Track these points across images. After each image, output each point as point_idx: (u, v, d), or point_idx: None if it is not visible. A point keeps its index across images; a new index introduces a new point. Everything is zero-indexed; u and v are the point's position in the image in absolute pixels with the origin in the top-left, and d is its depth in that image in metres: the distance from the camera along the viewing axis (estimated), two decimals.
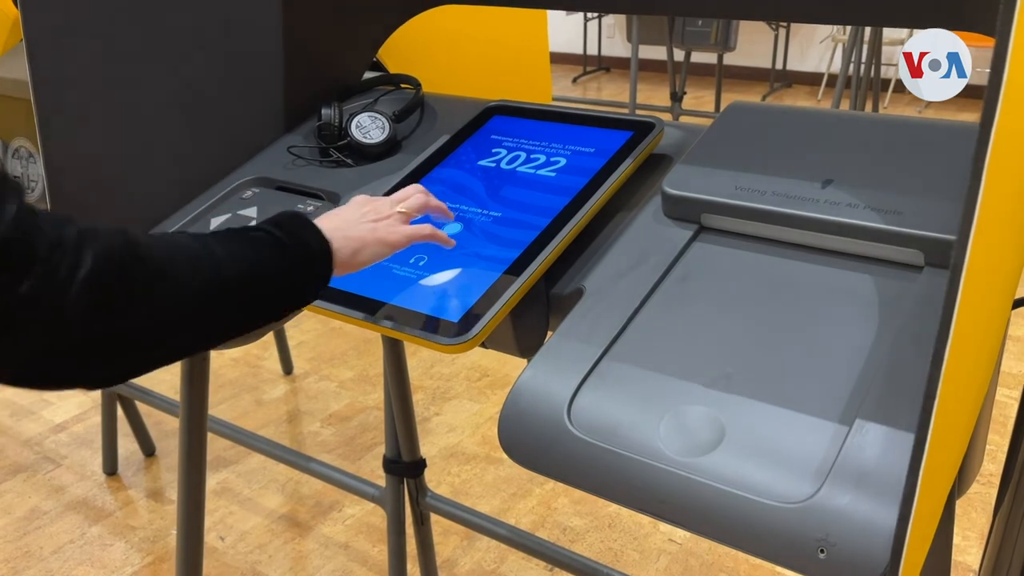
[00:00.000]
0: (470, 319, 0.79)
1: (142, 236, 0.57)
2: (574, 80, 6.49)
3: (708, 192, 0.83)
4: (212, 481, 2.14)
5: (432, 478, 2.09)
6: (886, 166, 0.80)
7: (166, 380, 2.51)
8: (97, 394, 2.28)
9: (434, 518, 1.77)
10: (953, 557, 0.95)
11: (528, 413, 0.70)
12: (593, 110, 1.05)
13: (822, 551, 0.56)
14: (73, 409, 2.49)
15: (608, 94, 6.22)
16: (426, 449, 2.16)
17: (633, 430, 0.66)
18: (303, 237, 0.69)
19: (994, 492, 0.90)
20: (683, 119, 4.57)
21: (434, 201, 0.83)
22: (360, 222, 0.76)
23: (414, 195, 0.81)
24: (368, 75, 1.30)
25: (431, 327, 0.80)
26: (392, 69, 1.34)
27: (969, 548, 1.80)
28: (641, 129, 0.95)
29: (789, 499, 0.58)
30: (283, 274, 0.67)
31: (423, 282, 0.86)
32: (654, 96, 5.50)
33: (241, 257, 0.63)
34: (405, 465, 1.66)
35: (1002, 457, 0.87)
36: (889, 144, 0.83)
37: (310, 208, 1.04)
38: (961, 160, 0.48)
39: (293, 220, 0.71)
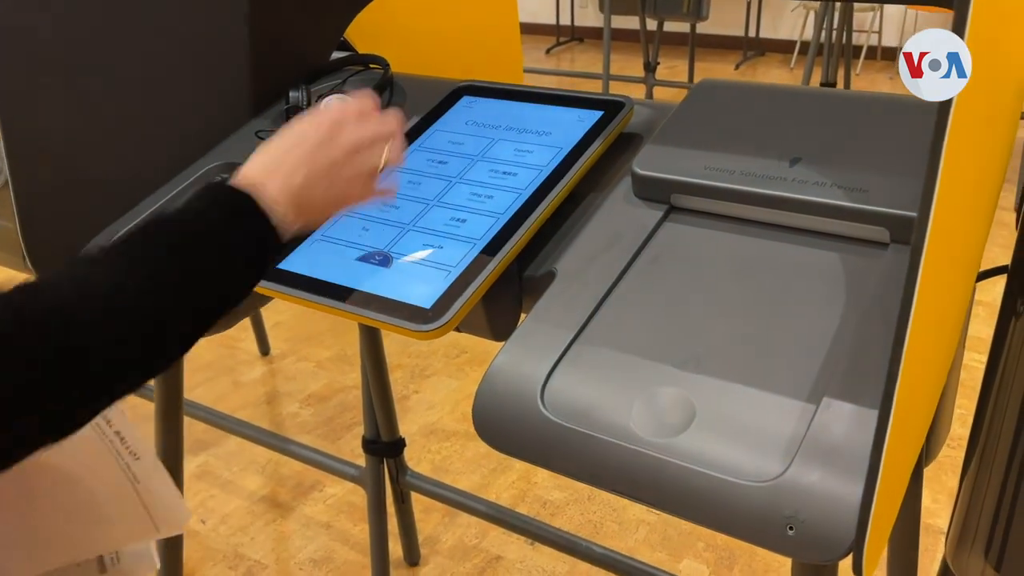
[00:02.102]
0: (443, 304, 0.79)
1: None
2: (547, 51, 6.45)
3: (677, 172, 0.83)
4: (191, 465, 2.14)
5: (412, 455, 2.10)
6: (854, 144, 0.81)
7: None
8: None
9: (415, 495, 1.78)
10: (923, 520, 0.97)
11: (502, 397, 0.70)
12: (563, 89, 1.05)
13: (791, 528, 0.57)
14: None
15: (581, 65, 6.18)
16: (405, 427, 2.17)
17: (605, 412, 0.66)
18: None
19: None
20: (657, 89, 4.56)
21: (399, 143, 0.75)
22: (328, 175, 0.68)
23: (394, 138, 0.74)
24: (336, 55, 1.29)
25: (403, 313, 0.80)
26: (360, 49, 1.32)
27: (940, 511, 1.84)
28: (611, 108, 0.95)
29: (758, 478, 0.59)
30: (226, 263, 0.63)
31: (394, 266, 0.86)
32: (627, 67, 5.48)
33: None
34: (384, 445, 1.66)
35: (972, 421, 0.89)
36: (857, 121, 0.84)
37: None
38: (928, 137, 0.49)
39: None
